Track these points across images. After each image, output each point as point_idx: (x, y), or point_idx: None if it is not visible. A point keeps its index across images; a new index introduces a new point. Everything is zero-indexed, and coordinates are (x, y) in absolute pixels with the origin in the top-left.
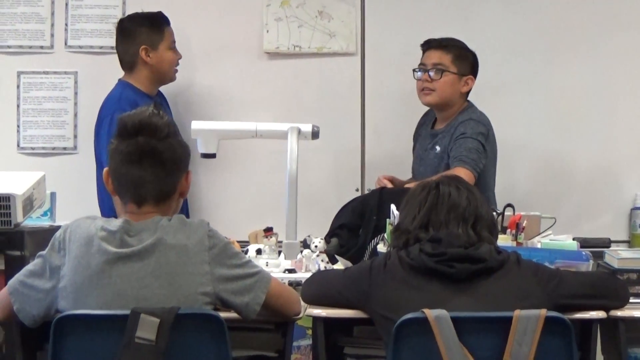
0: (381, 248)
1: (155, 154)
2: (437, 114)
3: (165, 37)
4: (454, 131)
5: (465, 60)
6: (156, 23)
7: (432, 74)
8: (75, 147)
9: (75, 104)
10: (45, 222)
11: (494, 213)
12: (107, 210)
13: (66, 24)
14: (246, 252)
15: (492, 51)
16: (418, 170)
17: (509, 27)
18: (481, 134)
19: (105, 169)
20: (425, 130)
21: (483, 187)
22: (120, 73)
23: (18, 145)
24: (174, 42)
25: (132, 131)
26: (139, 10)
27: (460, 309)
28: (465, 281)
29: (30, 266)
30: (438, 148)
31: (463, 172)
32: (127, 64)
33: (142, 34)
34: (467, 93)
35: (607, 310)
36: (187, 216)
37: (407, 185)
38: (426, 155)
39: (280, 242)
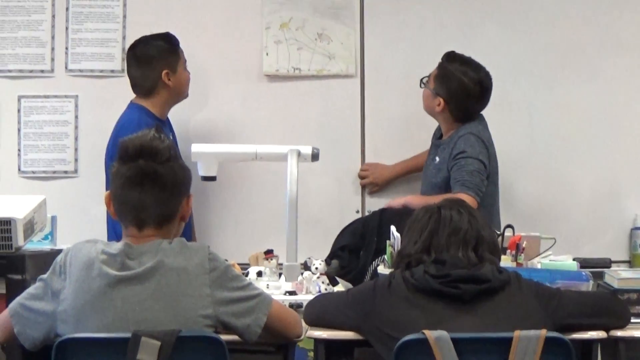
0: (382, 269)
1: (156, 178)
2: None
3: (181, 57)
4: (454, 145)
5: (444, 82)
6: (171, 45)
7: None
8: (76, 171)
9: (76, 127)
10: (46, 246)
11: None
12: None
13: (66, 48)
14: (247, 274)
15: (493, 71)
16: (423, 178)
17: (509, 47)
18: (482, 152)
19: (106, 193)
20: (434, 139)
21: (486, 208)
22: (123, 96)
23: (19, 169)
24: (186, 60)
25: (133, 154)
26: (139, 35)
27: (465, 330)
28: (469, 302)
29: (31, 289)
30: (437, 159)
31: (466, 198)
32: (145, 89)
33: (161, 59)
34: (460, 115)
35: (607, 330)
36: (191, 239)
37: (406, 202)
38: (428, 164)
39: (281, 264)
